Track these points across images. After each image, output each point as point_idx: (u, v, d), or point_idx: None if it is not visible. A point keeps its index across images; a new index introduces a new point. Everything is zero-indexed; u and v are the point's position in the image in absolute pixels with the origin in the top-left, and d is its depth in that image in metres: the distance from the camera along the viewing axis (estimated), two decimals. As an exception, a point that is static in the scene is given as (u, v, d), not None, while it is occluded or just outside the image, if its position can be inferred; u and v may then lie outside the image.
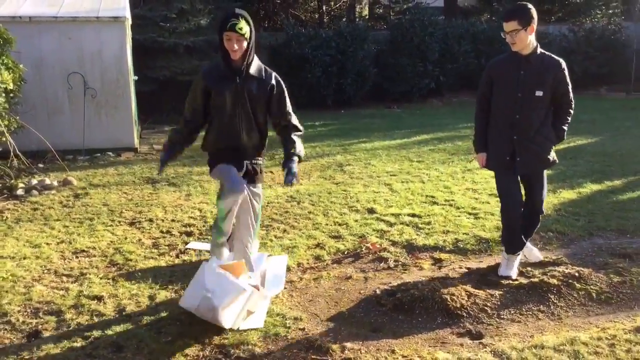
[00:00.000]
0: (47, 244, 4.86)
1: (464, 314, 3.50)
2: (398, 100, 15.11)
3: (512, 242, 3.97)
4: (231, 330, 3.30)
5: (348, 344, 3.18)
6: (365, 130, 11.07)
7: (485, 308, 3.55)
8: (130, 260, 4.47)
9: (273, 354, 3.10)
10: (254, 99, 3.65)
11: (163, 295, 3.81)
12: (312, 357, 3.07)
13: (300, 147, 3.72)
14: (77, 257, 4.57)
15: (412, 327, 3.41)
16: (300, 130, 3.79)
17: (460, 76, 15.85)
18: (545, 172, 3.98)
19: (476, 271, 4.12)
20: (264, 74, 3.67)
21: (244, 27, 3.45)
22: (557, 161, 3.99)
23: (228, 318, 3.25)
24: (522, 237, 3.98)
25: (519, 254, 4.02)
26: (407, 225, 5.23)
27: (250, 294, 3.36)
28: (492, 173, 4.25)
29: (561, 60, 3.78)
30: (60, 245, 4.82)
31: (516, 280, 3.90)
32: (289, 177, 3.58)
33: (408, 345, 3.19)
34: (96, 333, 3.34)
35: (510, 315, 3.51)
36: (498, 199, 4.04)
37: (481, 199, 5.98)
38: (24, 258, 4.53)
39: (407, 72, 14.92)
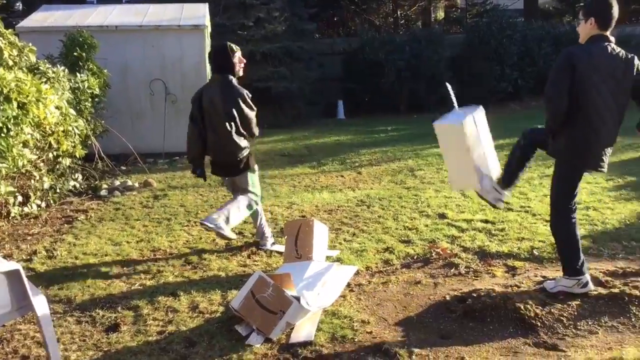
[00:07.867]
0: (128, 242, 5.09)
1: (539, 323, 3.36)
2: (474, 105, 14.78)
3: None
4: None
5: (416, 350, 3.13)
6: (438, 135, 10.86)
7: (561, 318, 3.39)
8: (204, 259, 4.62)
9: (340, 356, 3.10)
10: None
11: (234, 294, 3.88)
12: (379, 360, 3.05)
13: None
14: (154, 255, 4.76)
15: (482, 335, 3.32)
16: None
17: (541, 79, 15.24)
18: None
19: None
20: None
21: None
22: None
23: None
24: None
25: None
26: (480, 231, 5.10)
27: (294, 306, 3.31)
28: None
29: None
30: (139, 244, 5.04)
31: (595, 290, 3.70)
32: None
33: (478, 353, 3.10)
34: (170, 328, 3.47)
35: (587, 327, 3.34)
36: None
37: (560, 206, 5.71)
38: (106, 255, 4.77)
39: (483, 75, 14.56)
